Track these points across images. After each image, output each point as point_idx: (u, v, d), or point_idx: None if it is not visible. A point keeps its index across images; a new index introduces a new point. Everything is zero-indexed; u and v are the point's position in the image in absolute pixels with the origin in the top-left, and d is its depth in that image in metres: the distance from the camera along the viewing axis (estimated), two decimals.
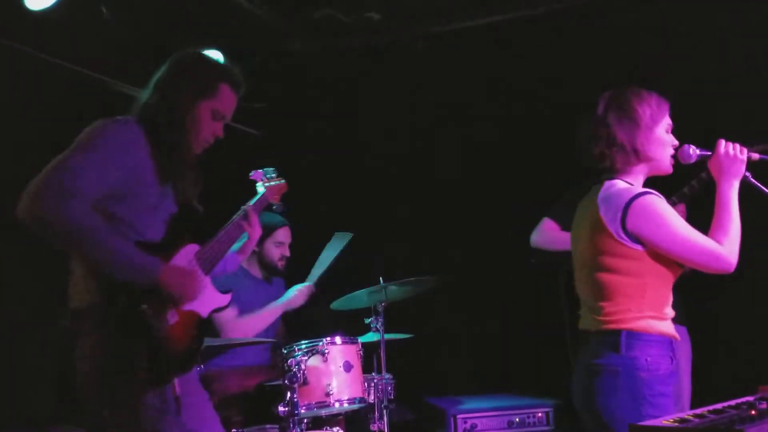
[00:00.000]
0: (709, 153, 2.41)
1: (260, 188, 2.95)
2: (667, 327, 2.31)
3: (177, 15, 3.91)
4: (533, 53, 4.32)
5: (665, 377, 2.26)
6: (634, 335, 2.24)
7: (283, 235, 4.05)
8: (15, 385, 3.42)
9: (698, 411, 1.87)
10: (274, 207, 2.98)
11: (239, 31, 4.24)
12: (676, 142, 2.41)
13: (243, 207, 2.73)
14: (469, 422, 3.94)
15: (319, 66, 4.69)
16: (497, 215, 4.59)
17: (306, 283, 3.86)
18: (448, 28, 4.41)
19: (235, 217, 2.68)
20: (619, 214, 2.26)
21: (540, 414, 3.98)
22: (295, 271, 4.08)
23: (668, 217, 2.26)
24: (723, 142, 2.40)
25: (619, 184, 2.35)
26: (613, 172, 2.38)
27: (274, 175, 2.99)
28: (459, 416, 3.95)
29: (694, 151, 2.41)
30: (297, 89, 4.81)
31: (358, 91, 4.81)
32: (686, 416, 1.82)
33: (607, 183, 2.37)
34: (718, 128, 2.57)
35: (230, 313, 3.82)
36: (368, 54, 4.68)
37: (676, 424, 1.76)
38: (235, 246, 2.76)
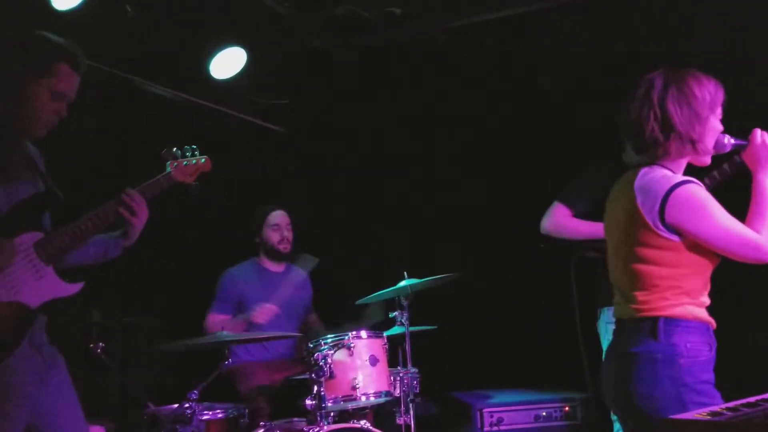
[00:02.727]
0: (744, 143, 2.34)
1: (167, 168, 2.70)
2: (704, 314, 2.23)
3: (200, 13, 3.94)
4: (555, 44, 4.29)
5: (706, 364, 2.18)
6: (672, 321, 2.16)
7: (277, 217, 4.11)
8: None
9: (731, 404, 1.85)
10: (191, 187, 2.72)
11: (261, 28, 4.25)
12: (722, 129, 2.31)
13: (126, 189, 2.56)
14: (496, 416, 3.93)
15: (340, 61, 4.69)
16: (524, 207, 4.56)
17: (269, 305, 3.88)
18: (469, 21, 4.39)
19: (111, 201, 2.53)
20: (657, 205, 2.16)
21: (567, 408, 3.96)
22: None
23: (709, 209, 2.17)
24: (759, 131, 2.33)
25: (658, 171, 2.23)
26: (657, 158, 2.26)
27: (193, 154, 2.73)
28: (485, 410, 3.93)
29: (728, 141, 2.32)
30: (319, 85, 4.82)
31: (380, 86, 4.81)
32: (719, 409, 1.79)
33: (643, 169, 2.25)
34: (752, 117, 2.50)
35: (218, 317, 3.89)
36: (390, 49, 4.67)
37: (709, 417, 1.73)
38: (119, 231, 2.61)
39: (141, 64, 3.95)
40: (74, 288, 2.46)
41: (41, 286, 2.38)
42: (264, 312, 3.85)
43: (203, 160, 2.75)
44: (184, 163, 2.71)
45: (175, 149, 2.70)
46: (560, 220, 3.50)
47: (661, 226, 2.17)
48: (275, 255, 4.12)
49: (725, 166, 3.02)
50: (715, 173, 3.06)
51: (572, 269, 3.56)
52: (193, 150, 2.74)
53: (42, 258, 2.39)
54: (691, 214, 2.15)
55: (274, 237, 4.10)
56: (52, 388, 2.41)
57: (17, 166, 2.36)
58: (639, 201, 2.20)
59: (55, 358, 2.46)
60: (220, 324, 3.76)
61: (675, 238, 2.17)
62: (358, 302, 3.77)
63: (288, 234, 4.13)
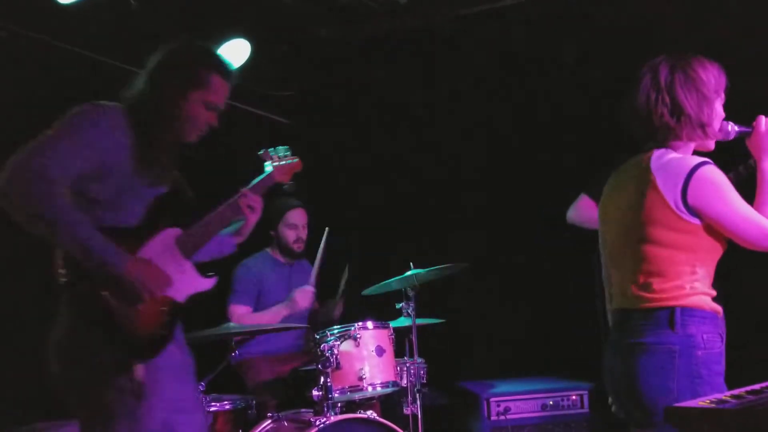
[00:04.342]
0: (749, 129, 2.31)
1: (268, 168, 2.81)
2: (715, 303, 2.20)
3: (203, 5, 3.93)
4: (565, 31, 4.25)
5: (718, 355, 2.16)
6: (688, 311, 2.13)
7: (295, 216, 4.08)
8: (5, 378, 3.39)
9: (736, 392, 1.83)
10: (285, 187, 2.84)
11: (265, 18, 4.24)
12: (724, 116, 2.29)
13: (241, 189, 2.65)
14: (503, 405, 3.93)
15: (346, 52, 4.67)
16: (528, 197, 4.55)
17: (306, 287, 3.85)
18: (476, 9, 4.35)
19: (230, 199, 2.61)
20: (680, 184, 2.12)
21: (574, 397, 3.96)
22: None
23: (730, 192, 2.14)
24: (764, 118, 2.30)
25: (673, 153, 2.22)
26: (666, 143, 2.23)
27: (286, 153, 2.84)
28: (492, 400, 3.94)
29: (732, 128, 2.29)
30: (324, 76, 4.80)
31: (386, 76, 4.79)
32: (723, 397, 1.78)
33: (657, 152, 2.22)
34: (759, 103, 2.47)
35: (243, 309, 3.88)
36: (395, 39, 4.64)
37: (713, 405, 1.72)
38: (231, 228, 2.71)
39: (144, 56, 3.93)
40: (211, 282, 2.52)
41: (185, 280, 2.42)
42: (306, 295, 3.83)
43: (296, 160, 2.85)
44: (281, 163, 2.81)
45: (271, 150, 2.81)
46: (585, 210, 3.57)
47: (682, 207, 2.13)
48: (288, 253, 4.11)
49: (751, 161, 2.95)
50: (741, 168, 2.99)
51: (596, 257, 3.56)
52: (286, 150, 2.84)
53: (183, 253, 2.43)
54: (713, 195, 2.13)
55: (290, 236, 4.07)
56: (189, 385, 2.43)
57: (164, 168, 2.41)
58: (659, 181, 2.16)
59: (190, 355, 2.48)
60: (252, 316, 3.79)
61: (695, 220, 2.14)
62: (364, 293, 3.77)
63: (303, 234, 4.09)
